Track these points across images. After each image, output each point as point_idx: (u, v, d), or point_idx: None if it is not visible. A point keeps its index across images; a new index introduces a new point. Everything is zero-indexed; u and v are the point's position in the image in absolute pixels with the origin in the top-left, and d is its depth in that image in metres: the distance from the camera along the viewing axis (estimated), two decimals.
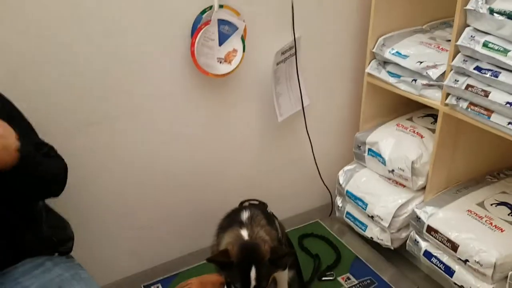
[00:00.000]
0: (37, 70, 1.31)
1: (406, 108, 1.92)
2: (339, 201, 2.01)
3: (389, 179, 1.82)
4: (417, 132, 1.77)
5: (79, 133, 1.43)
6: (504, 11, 1.24)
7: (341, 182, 1.94)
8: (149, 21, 1.40)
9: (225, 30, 1.46)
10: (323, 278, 1.72)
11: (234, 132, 1.73)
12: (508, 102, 1.27)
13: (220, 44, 1.48)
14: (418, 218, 1.63)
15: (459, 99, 1.44)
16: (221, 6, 1.44)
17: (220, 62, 1.50)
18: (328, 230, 2.01)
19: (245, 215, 1.39)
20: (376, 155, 1.81)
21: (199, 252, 1.83)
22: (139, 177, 1.62)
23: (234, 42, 1.50)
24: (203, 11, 1.44)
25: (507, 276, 1.40)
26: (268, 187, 1.92)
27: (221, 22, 1.45)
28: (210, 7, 1.43)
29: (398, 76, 1.69)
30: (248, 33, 1.53)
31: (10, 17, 1.23)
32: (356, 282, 1.71)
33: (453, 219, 1.57)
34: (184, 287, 1.48)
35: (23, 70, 1.29)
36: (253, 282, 1.15)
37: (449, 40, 1.65)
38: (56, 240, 1.15)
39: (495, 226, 1.50)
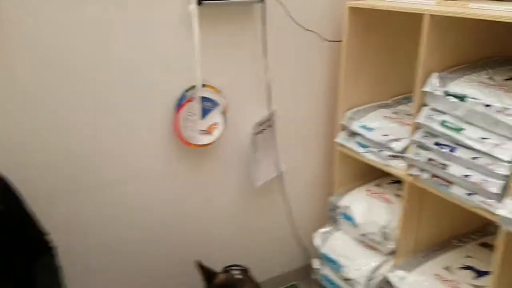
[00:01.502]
0: (32, 141, 1.33)
1: (375, 174, 1.97)
2: (316, 263, 1.99)
3: (362, 242, 1.83)
4: (386, 198, 1.81)
5: (68, 199, 1.43)
6: (457, 94, 1.33)
7: (317, 244, 1.94)
8: (139, 98, 1.46)
9: (207, 106, 1.52)
10: None
11: (214, 197, 1.75)
12: (465, 175, 1.33)
13: (203, 118, 1.52)
14: (389, 283, 1.63)
15: (422, 170, 1.50)
16: (204, 85, 1.50)
17: (202, 134, 1.54)
18: None
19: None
20: (349, 219, 1.83)
21: None
22: (123, 241, 1.59)
23: (215, 116, 1.55)
24: (187, 90, 1.50)
25: None
26: (247, 249, 1.91)
27: (204, 98, 1.51)
28: (194, 87, 1.49)
29: (366, 147, 1.75)
30: (229, 107, 1.59)
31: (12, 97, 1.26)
32: None
33: (422, 283, 1.57)
34: None
35: (20, 140, 1.31)
36: None
37: (411, 115, 1.74)
38: None
39: None
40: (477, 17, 1.25)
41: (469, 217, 1.83)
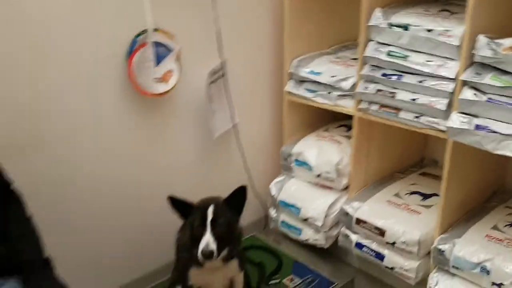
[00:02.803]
0: None
1: (323, 121, 2.04)
2: (272, 213, 2.03)
3: (316, 184, 1.89)
4: (335, 140, 1.89)
5: (18, 156, 1.29)
6: (401, 24, 1.42)
7: (273, 193, 1.97)
8: (86, 46, 1.36)
9: (161, 52, 1.46)
10: (270, 283, 1.71)
11: (172, 150, 1.69)
12: (412, 99, 1.43)
13: (157, 65, 1.46)
14: (346, 214, 1.72)
15: (371, 103, 1.58)
16: (155, 30, 1.44)
17: (158, 82, 1.48)
18: (265, 241, 2.01)
19: None
20: (303, 164, 1.88)
21: (155, 272, 1.73)
22: (83, 199, 1.50)
23: (169, 63, 1.49)
24: (138, 35, 1.43)
25: (429, 252, 1.51)
26: None
27: (157, 44, 1.44)
28: (145, 31, 1.42)
29: (315, 91, 1.80)
30: (182, 55, 1.54)
31: None
32: (300, 281, 1.72)
33: (377, 209, 1.67)
34: None
35: None
36: (210, 216, 1.22)
37: (353, 59, 1.82)
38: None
39: (413, 210, 1.63)
40: None
41: (407, 152, 1.99)
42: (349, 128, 1.92)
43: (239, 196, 1.30)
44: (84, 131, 1.44)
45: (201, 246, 1.19)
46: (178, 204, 1.28)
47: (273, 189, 1.98)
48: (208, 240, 1.19)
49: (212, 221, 1.22)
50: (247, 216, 2.09)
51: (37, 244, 1.06)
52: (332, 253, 1.91)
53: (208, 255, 1.18)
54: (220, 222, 1.23)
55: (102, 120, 1.46)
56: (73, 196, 1.47)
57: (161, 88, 1.49)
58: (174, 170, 1.73)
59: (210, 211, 1.23)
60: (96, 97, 1.43)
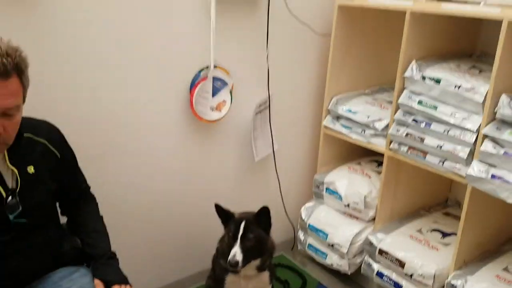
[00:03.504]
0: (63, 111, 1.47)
1: (354, 156, 2.23)
2: (301, 235, 2.21)
3: (345, 213, 2.07)
4: (366, 173, 2.07)
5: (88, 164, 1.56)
6: (433, 78, 1.61)
7: (303, 217, 2.17)
8: (158, 75, 1.64)
9: (218, 85, 1.71)
10: None
11: (218, 168, 1.94)
12: (439, 145, 1.61)
13: (213, 96, 1.71)
14: (371, 243, 1.89)
15: (401, 144, 1.76)
16: (215, 66, 1.69)
17: (212, 110, 1.73)
18: (292, 261, 2.20)
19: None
20: (334, 192, 2.07)
21: (192, 277, 1.95)
22: (134, 207, 1.75)
23: (224, 94, 1.74)
24: (201, 70, 1.69)
25: (443, 286, 1.66)
26: None
27: (215, 78, 1.70)
28: (207, 67, 1.68)
29: (350, 128, 2.00)
30: (235, 88, 1.79)
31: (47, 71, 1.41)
32: None
33: (399, 242, 1.84)
34: None
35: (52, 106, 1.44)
36: (241, 231, 1.45)
37: (389, 101, 2.02)
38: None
39: (432, 246, 1.79)
40: (449, 13, 1.54)
41: (433, 192, 2.15)
42: (380, 163, 2.10)
43: (263, 215, 1.51)
44: (149, 146, 1.70)
45: (230, 256, 1.42)
46: (221, 211, 1.53)
47: (304, 213, 2.18)
48: (235, 252, 1.43)
49: (242, 235, 1.45)
50: (277, 236, 2.29)
51: (106, 240, 1.30)
52: (352, 280, 2.07)
53: (233, 264, 1.42)
54: (249, 237, 1.46)
55: (164, 138, 1.72)
56: (133, 200, 1.73)
57: (215, 115, 1.74)
58: (218, 186, 1.97)
59: (242, 226, 1.46)
60: (162, 118, 1.69)
